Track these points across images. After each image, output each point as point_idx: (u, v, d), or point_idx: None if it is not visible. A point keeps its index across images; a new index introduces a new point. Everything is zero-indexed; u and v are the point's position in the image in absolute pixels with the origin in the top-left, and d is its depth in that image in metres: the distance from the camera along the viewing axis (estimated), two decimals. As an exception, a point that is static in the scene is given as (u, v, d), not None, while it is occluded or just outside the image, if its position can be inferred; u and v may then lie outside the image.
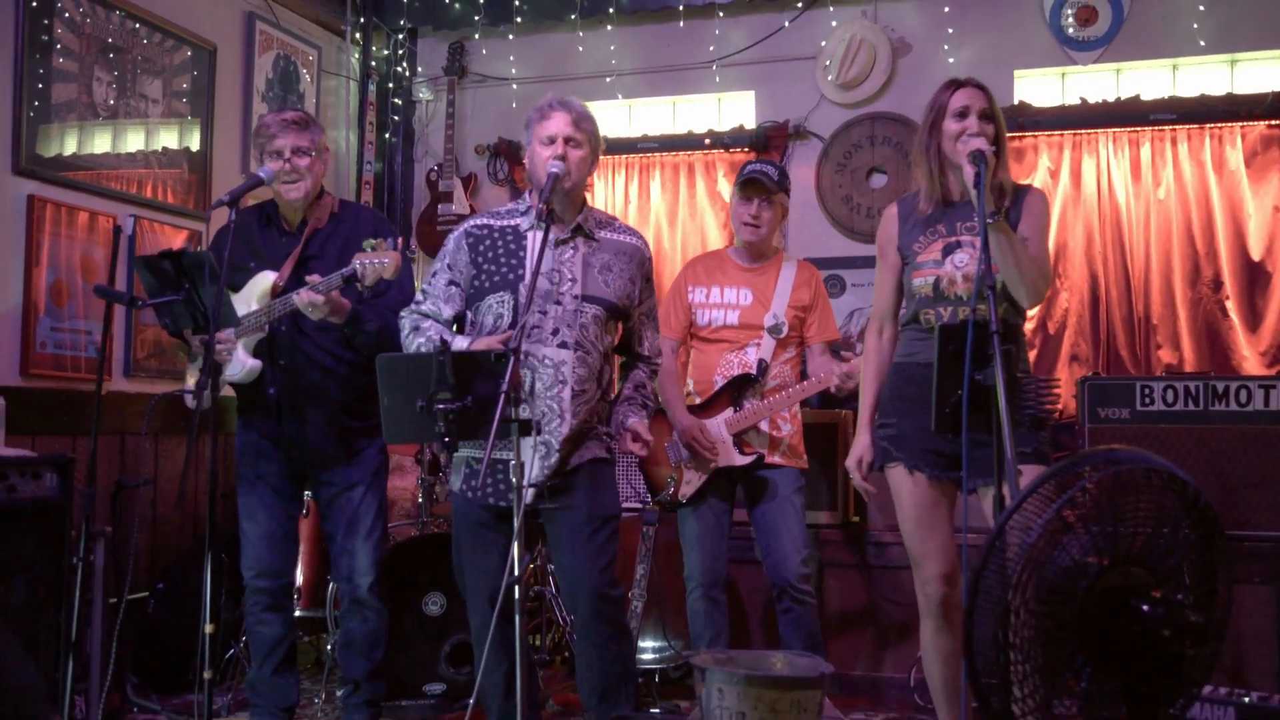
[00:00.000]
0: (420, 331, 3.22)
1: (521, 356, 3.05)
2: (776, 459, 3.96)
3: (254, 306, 3.54)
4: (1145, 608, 1.96)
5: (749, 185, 4.00)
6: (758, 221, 4.01)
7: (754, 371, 3.96)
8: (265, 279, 3.57)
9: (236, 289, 3.62)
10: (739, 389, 3.97)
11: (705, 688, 2.17)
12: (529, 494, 3.04)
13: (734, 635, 4.17)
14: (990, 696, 2.04)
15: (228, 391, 3.72)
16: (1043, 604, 2.01)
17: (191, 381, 3.58)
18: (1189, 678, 2.04)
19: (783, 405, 3.95)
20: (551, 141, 3.15)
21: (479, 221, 3.34)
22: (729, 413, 3.97)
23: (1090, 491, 2.03)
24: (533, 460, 3.07)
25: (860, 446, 3.30)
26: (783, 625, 3.99)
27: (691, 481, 3.98)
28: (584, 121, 3.20)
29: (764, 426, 3.96)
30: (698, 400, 4.06)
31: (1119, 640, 1.98)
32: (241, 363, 3.54)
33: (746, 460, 3.93)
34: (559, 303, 3.15)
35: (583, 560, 3.15)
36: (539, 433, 3.08)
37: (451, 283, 3.27)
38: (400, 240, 3.38)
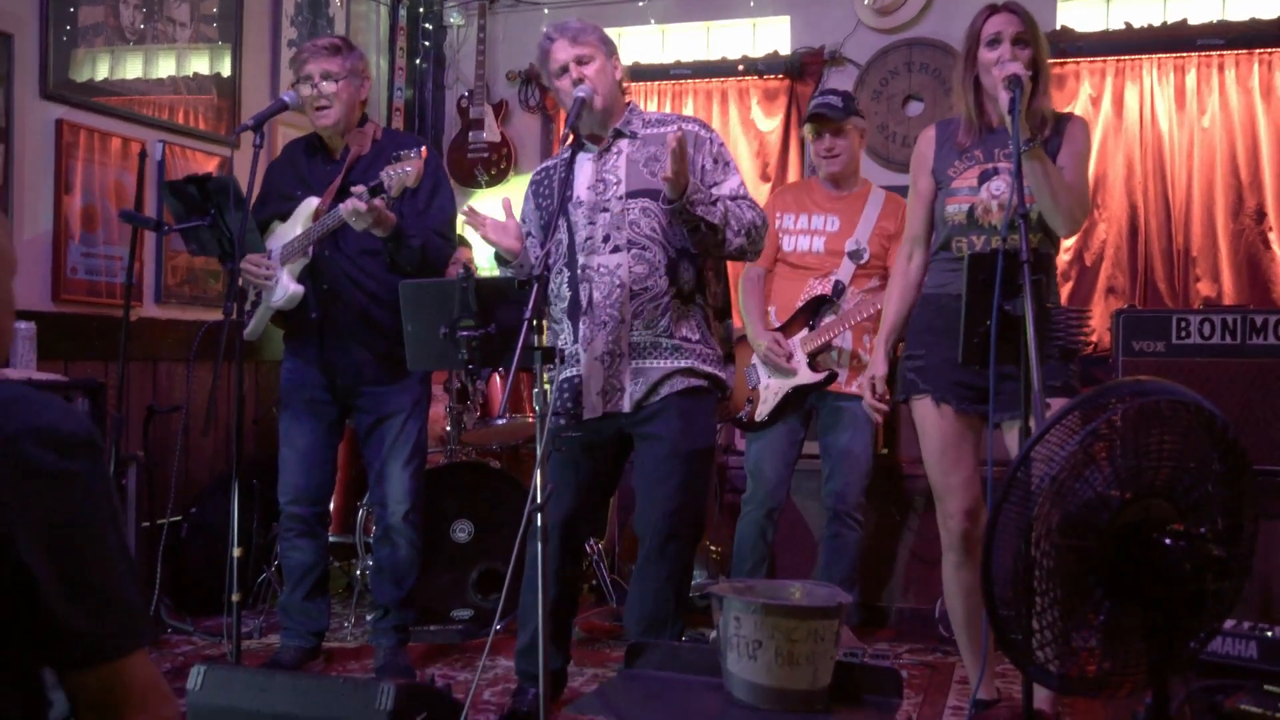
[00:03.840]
0: None
1: (578, 271, 3.05)
2: (854, 388, 3.98)
3: (298, 232, 3.56)
4: (1167, 541, 1.93)
5: (815, 120, 4.09)
6: (833, 152, 4.09)
7: (830, 293, 4.01)
8: (309, 205, 3.60)
9: (284, 218, 3.65)
10: (814, 309, 4.04)
11: (723, 616, 2.17)
12: (596, 405, 3.02)
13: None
14: (1009, 629, 2.03)
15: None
16: (1063, 537, 1.98)
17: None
18: (1210, 612, 2.01)
19: (855, 316, 3.97)
20: (564, 71, 3.07)
21: (540, 168, 3.33)
22: (804, 332, 4.04)
23: (1115, 423, 1.99)
24: (596, 373, 3.01)
25: (875, 365, 3.29)
26: (827, 549, 4.07)
27: (767, 401, 4.05)
28: (583, 34, 3.09)
29: (847, 342, 4.01)
30: (776, 325, 4.13)
31: (1140, 574, 1.96)
32: (285, 288, 3.55)
33: (818, 377, 3.98)
34: (606, 210, 3.06)
35: (657, 497, 3.05)
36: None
37: (528, 234, 3.23)
38: (426, 149, 3.37)
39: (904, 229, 4.09)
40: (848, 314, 3.99)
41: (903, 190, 3.47)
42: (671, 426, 3.03)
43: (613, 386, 3.03)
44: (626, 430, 3.10)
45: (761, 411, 4.06)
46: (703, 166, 3.07)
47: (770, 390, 4.06)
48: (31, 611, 1.15)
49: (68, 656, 1.19)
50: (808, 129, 4.15)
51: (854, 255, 4.05)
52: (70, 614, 1.16)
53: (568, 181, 3.09)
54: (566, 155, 3.17)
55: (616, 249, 3.03)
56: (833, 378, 3.99)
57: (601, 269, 3.04)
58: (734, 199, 3.04)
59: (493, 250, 3.11)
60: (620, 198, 3.06)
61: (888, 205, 4.10)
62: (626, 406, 3.03)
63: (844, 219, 4.09)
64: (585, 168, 3.13)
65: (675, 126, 3.10)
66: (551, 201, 3.15)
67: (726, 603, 2.16)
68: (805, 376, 4.01)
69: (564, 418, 3.08)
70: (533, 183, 3.30)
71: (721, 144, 3.15)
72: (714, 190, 3.04)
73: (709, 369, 3.08)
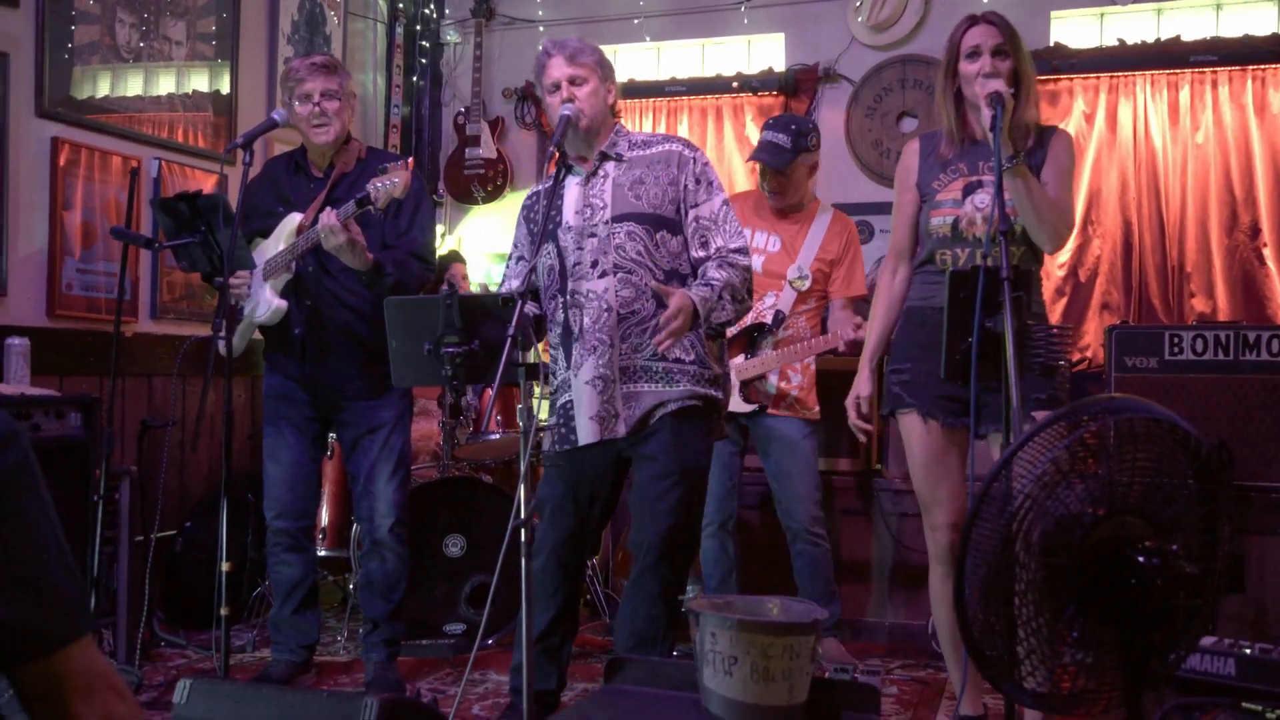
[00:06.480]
0: None
1: (569, 297, 3.05)
2: (781, 411, 3.98)
3: (281, 248, 3.58)
4: (1139, 558, 1.93)
5: (761, 169, 4.06)
6: (777, 191, 4.06)
7: (769, 321, 3.97)
8: (292, 220, 3.61)
9: (266, 234, 3.66)
10: (753, 336, 3.99)
11: (699, 632, 2.17)
12: (591, 431, 3.02)
13: (745, 580, 4.20)
14: (983, 645, 2.03)
15: (258, 336, 3.78)
16: (1037, 554, 1.99)
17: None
18: (1184, 629, 2.02)
19: (792, 359, 3.96)
20: (556, 89, 3.09)
21: (531, 191, 3.34)
22: (740, 359, 3.98)
23: (1088, 440, 2.00)
24: (588, 398, 3.02)
25: (860, 384, 3.27)
26: (797, 568, 4.07)
27: None
28: (580, 55, 3.10)
29: (773, 378, 3.98)
30: None
31: (1113, 590, 1.96)
32: (269, 303, 3.57)
33: (749, 408, 3.96)
34: (593, 234, 3.06)
35: (651, 515, 3.05)
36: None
37: (520, 258, 3.25)
38: (411, 160, 3.40)
39: (846, 253, 4.05)
40: (785, 355, 3.94)
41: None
42: (665, 446, 3.03)
43: (609, 412, 3.03)
44: (625, 453, 3.10)
45: None
46: (685, 185, 3.09)
47: None
48: None
49: (5, 651, 1.19)
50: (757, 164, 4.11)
51: (795, 282, 4.01)
52: (5, 609, 1.16)
53: (555, 205, 3.11)
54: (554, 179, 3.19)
55: (604, 274, 3.04)
56: (762, 410, 3.97)
57: (590, 294, 3.04)
58: (719, 257, 3.05)
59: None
60: (606, 222, 3.06)
61: (833, 227, 4.07)
62: (622, 431, 3.04)
63: (785, 240, 4.07)
64: (573, 191, 3.14)
65: (661, 146, 3.15)
66: (541, 223, 3.16)
67: (703, 619, 2.16)
68: (737, 405, 3.94)
69: (561, 443, 3.11)
70: (525, 206, 3.31)
71: (706, 164, 3.15)
72: (694, 210, 3.08)
73: (702, 390, 3.07)
